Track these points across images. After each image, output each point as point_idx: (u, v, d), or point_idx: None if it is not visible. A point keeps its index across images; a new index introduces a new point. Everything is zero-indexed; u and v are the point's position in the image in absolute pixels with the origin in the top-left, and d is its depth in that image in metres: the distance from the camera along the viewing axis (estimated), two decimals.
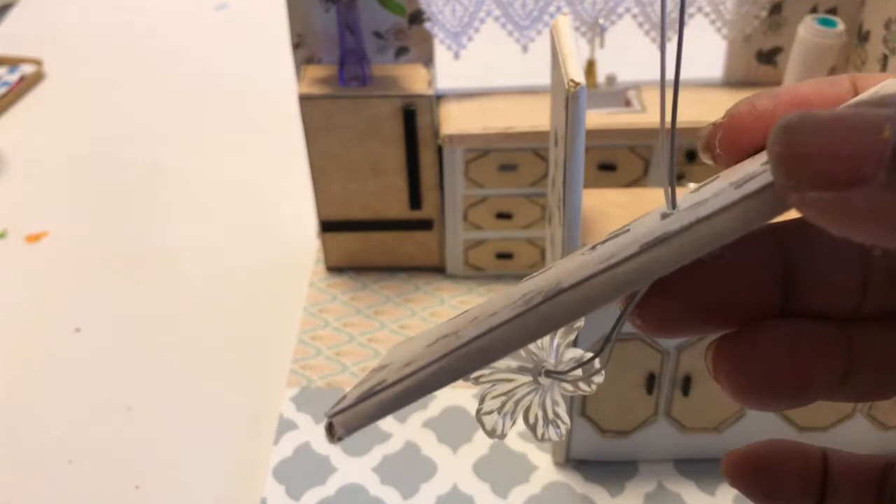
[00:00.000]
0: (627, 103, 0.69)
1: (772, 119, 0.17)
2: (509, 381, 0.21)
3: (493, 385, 0.21)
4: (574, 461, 0.58)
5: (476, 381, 0.20)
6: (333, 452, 0.59)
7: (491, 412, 0.20)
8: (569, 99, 0.43)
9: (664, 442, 0.57)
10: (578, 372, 0.21)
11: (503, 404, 0.20)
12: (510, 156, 0.68)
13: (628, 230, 0.17)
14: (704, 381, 0.54)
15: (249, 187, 0.88)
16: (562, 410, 0.21)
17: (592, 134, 0.47)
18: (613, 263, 0.16)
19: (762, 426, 0.56)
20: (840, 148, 0.14)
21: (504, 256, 0.74)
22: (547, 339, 0.21)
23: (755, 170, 0.16)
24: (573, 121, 0.44)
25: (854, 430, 0.56)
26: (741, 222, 0.15)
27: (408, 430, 0.61)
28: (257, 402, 0.64)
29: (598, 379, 0.21)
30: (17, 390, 0.66)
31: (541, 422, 0.21)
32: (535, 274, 0.20)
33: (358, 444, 0.60)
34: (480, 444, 0.60)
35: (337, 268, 0.76)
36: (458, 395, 0.63)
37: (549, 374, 0.21)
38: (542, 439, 0.21)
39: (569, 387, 0.21)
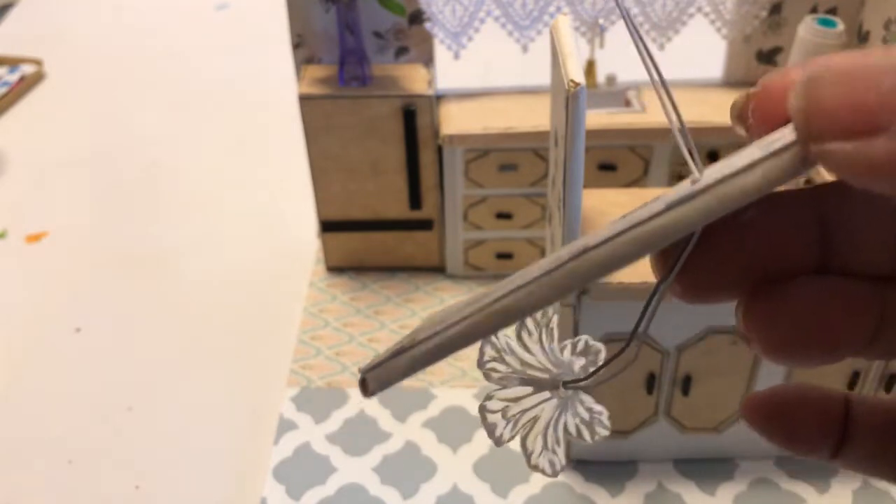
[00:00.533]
0: (627, 103, 0.69)
1: None
2: (523, 387, 0.21)
3: (505, 386, 0.21)
4: (574, 461, 0.58)
5: (488, 374, 0.20)
6: (333, 452, 0.59)
7: (495, 412, 0.21)
8: (569, 99, 0.43)
9: (664, 442, 0.57)
10: (600, 375, 0.21)
11: (508, 408, 0.21)
12: (510, 156, 0.68)
13: (658, 198, 0.18)
14: (704, 381, 0.54)
15: (249, 187, 0.88)
16: (561, 451, 0.21)
17: (592, 134, 0.47)
18: (639, 221, 0.17)
19: None
20: (858, 97, 0.14)
21: (504, 256, 0.74)
22: (567, 352, 0.21)
23: (783, 133, 0.16)
24: (573, 121, 0.44)
25: None
26: (765, 180, 0.16)
27: (408, 430, 0.61)
28: (257, 401, 0.64)
29: (604, 429, 0.21)
30: (17, 390, 0.66)
31: (538, 449, 0.21)
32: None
33: (358, 444, 0.60)
34: (480, 444, 0.60)
35: (337, 268, 0.76)
36: (459, 396, 0.63)
37: (567, 385, 0.21)
38: (533, 468, 0.21)
39: (582, 413, 0.21)
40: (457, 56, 0.69)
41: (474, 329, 0.18)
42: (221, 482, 0.58)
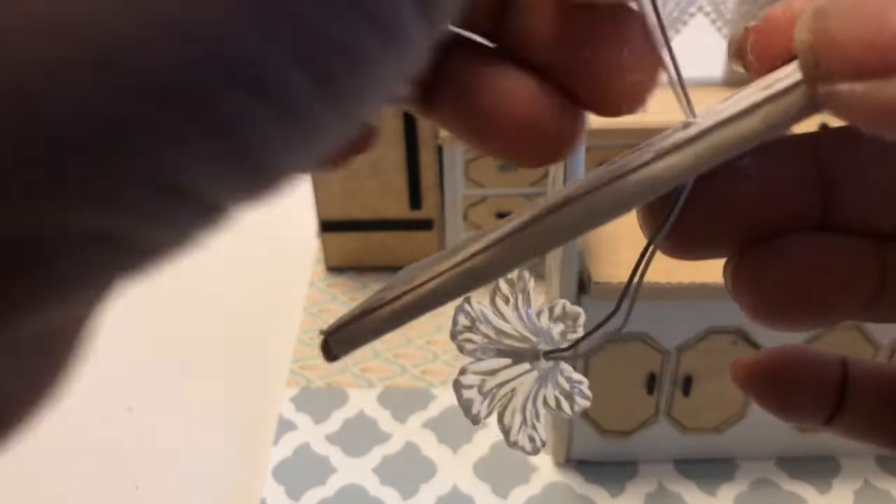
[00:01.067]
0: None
1: None
2: (500, 359, 0.19)
3: (481, 358, 0.19)
4: (574, 461, 0.58)
5: (462, 346, 0.19)
6: (333, 453, 0.59)
7: (471, 387, 0.19)
8: None
9: (665, 442, 0.57)
10: (582, 347, 0.19)
11: (485, 382, 0.19)
12: None
13: (649, 144, 0.16)
14: (705, 382, 0.54)
15: None
16: (541, 426, 0.19)
17: (592, 134, 0.47)
18: (625, 171, 0.15)
19: (763, 426, 0.56)
20: (873, 33, 0.12)
21: None
22: (545, 318, 0.20)
23: (786, 72, 0.15)
24: None
25: None
26: (766, 125, 0.14)
27: (407, 431, 0.61)
28: (257, 402, 0.64)
29: (584, 400, 0.19)
30: None
31: (517, 424, 0.19)
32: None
33: (358, 445, 0.60)
34: (481, 444, 0.60)
35: (337, 268, 0.76)
36: None
37: (547, 355, 0.19)
38: (513, 445, 0.19)
39: (563, 383, 0.19)
40: None
41: (443, 289, 0.16)
42: (221, 482, 0.58)
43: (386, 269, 0.76)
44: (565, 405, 0.19)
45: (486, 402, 0.19)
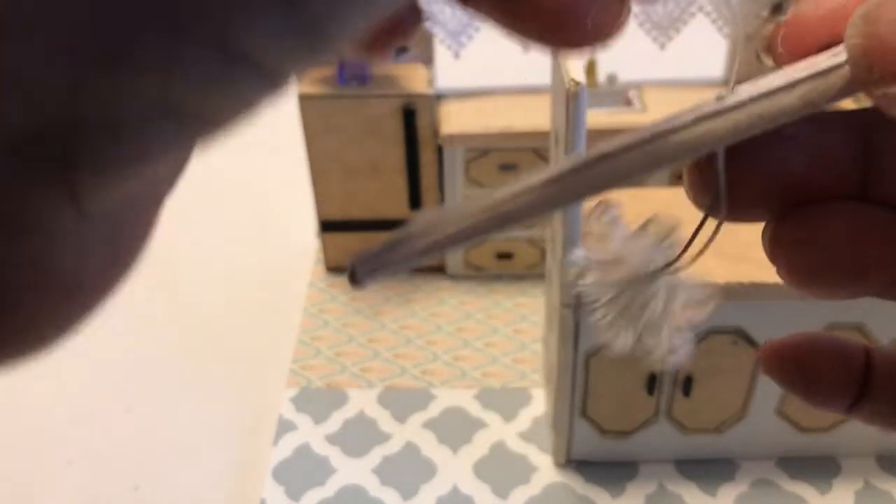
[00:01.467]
0: (628, 103, 0.69)
1: (838, 16, 0.16)
2: (621, 289, 0.19)
3: (602, 296, 0.19)
4: (574, 462, 0.58)
5: (580, 294, 0.19)
6: (333, 453, 0.59)
7: (606, 320, 0.19)
8: (569, 98, 0.43)
9: (665, 443, 0.57)
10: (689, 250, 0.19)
11: (616, 313, 0.19)
12: (510, 155, 0.68)
13: (687, 110, 0.17)
14: (705, 382, 0.54)
15: (249, 187, 0.88)
16: (682, 335, 0.19)
17: (593, 134, 0.47)
18: (666, 130, 0.16)
19: (763, 427, 0.56)
20: None
21: (504, 256, 0.74)
22: (643, 240, 0.19)
23: (821, 59, 0.15)
24: (573, 120, 0.43)
25: (856, 431, 0.56)
26: (802, 102, 0.15)
27: (408, 431, 0.61)
28: (257, 402, 0.64)
29: (710, 300, 0.19)
30: (17, 390, 0.65)
31: (659, 344, 0.19)
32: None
33: (357, 445, 0.60)
34: (480, 444, 0.60)
35: (337, 268, 0.76)
36: (459, 396, 0.63)
37: (662, 272, 0.19)
38: (660, 363, 0.19)
39: (689, 293, 0.19)
40: (457, 55, 0.69)
41: (474, 228, 0.17)
42: (221, 483, 0.58)
43: None
44: (696, 313, 0.19)
45: (627, 330, 0.19)
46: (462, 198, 0.70)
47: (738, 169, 0.17)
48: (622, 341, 0.19)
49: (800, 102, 0.15)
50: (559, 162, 0.17)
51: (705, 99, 0.17)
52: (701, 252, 0.19)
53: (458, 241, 0.17)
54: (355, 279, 0.18)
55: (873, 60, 0.14)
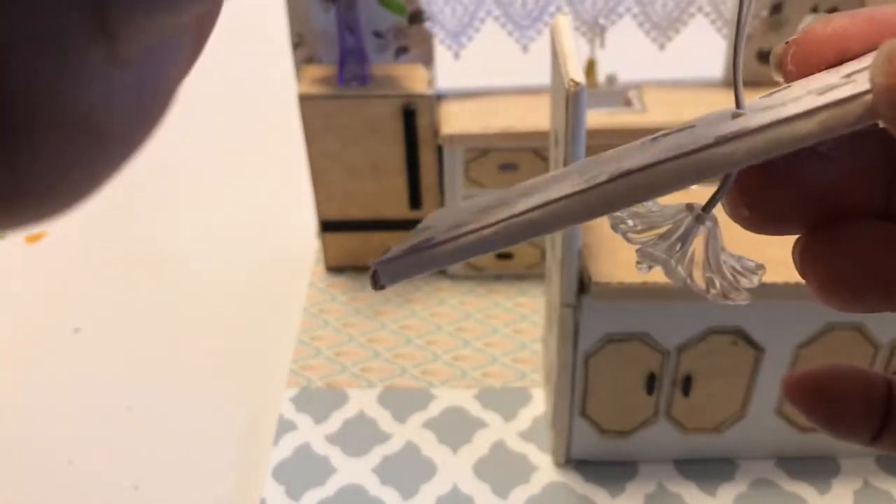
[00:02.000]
0: (628, 103, 0.69)
1: (846, 37, 0.17)
2: (666, 231, 0.19)
3: (641, 231, 0.19)
4: (574, 461, 0.58)
5: (616, 226, 0.19)
6: (333, 453, 0.59)
7: (660, 257, 0.19)
8: (569, 99, 0.43)
9: (664, 442, 0.57)
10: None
11: (666, 253, 0.19)
12: (510, 156, 0.68)
13: (693, 127, 0.17)
14: (705, 382, 0.54)
15: (249, 187, 0.88)
16: (745, 275, 0.20)
17: (593, 134, 0.47)
18: (686, 152, 0.16)
19: (763, 427, 0.56)
20: None
21: (504, 256, 0.74)
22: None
23: (836, 81, 0.16)
24: (573, 121, 0.43)
25: None
26: (821, 128, 0.15)
27: (408, 431, 0.61)
28: (257, 402, 0.64)
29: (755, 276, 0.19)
30: (17, 390, 0.65)
31: (715, 280, 0.19)
32: (587, 159, 0.20)
33: (358, 445, 0.60)
34: (480, 444, 0.60)
35: (337, 268, 0.76)
36: (459, 396, 0.63)
37: (703, 212, 0.19)
38: (718, 298, 0.19)
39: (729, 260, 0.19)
40: (457, 56, 0.69)
41: (497, 238, 0.17)
42: (221, 482, 0.58)
43: None
44: (727, 273, 0.19)
45: (681, 263, 0.19)
46: (461, 198, 0.70)
47: (772, 184, 0.18)
48: (683, 274, 0.19)
49: (819, 129, 0.15)
50: (581, 173, 0.18)
51: (721, 109, 0.17)
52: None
53: (477, 251, 0.18)
54: (378, 282, 0.18)
55: None
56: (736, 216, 0.19)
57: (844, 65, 0.17)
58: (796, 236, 0.19)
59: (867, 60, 0.16)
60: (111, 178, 0.14)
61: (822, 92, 0.16)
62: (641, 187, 0.17)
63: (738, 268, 0.19)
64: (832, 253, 0.18)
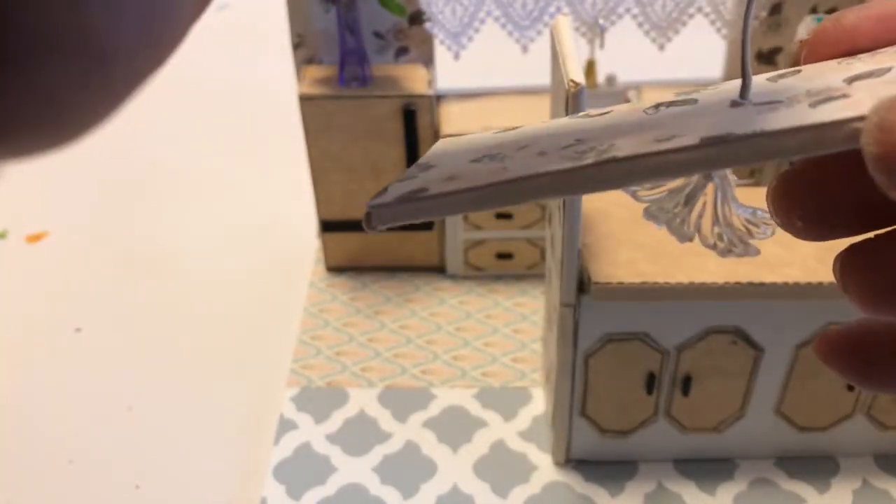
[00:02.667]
0: (627, 103, 0.69)
1: (855, 34, 0.17)
2: (674, 185, 0.20)
3: (650, 190, 0.20)
4: (574, 461, 0.58)
5: (636, 196, 0.20)
6: (333, 452, 0.59)
7: (665, 212, 0.19)
8: (569, 99, 0.43)
9: (664, 442, 0.57)
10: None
11: (672, 207, 0.19)
12: None
13: (696, 101, 0.18)
14: (704, 381, 0.54)
15: (250, 187, 0.88)
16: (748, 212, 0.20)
17: None
18: (669, 150, 0.16)
19: (762, 426, 0.56)
20: None
21: (504, 256, 0.74)
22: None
23: (835, 85, 0.16)
24: None
25: (854, 430, 0.56)
26: (802, 147, 0.16)
27: (408, 430, 0.61)
28: (258, 401, 0.64)
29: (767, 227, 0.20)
30: (18, 390, 0.66)
31: (722, 235, 0.19)
32: (591, 112, 0.20)
33: (358, 444, 0.60)
34: (480, 443, 0.60)
35: (337, 268, 0.76)
36: (459, 396, 0.64)
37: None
38: (726, 253, 0.19)
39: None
40: (457, 56, 0.69)
41: (483, 201, 0.18)
42: (222, 482, 0.58)
43: (386, 269, 0.76)
44: (739, 227, 0.20)
45: (687, 220, 0.20)
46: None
47: (822, 194, 0.18)
48: (688, 230, 0.19)
49: (800, 148, 0.16)
50: (577, 138, 0.18)
51: (728, 86, 0.17)
52: None
53: (465, 209, 0.18)
54: (370, 224, 0.19)
55: (891, 168, 0.15)
56: (788, 227, 0.19)
57: (854, 58, 0.17)
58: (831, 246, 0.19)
59: (872, 62, 0.16)
60: (116, 108, 0.13)
61: (816, 104, 0.16)
62: (620, 176, 0.17)
63: (752, 219, 0.19)
64: (869, 265, 0.18)
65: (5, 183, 0.91)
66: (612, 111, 0.19)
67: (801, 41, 0.18)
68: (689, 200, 0.19)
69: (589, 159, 0.17)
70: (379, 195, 0.19)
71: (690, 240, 0.19)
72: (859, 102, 0.15)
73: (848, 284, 0.18)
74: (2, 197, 0.88)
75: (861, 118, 0.15)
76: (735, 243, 0.19)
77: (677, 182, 0.19)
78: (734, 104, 0.17)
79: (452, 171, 0.19)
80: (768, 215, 0.19)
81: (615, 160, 0.17)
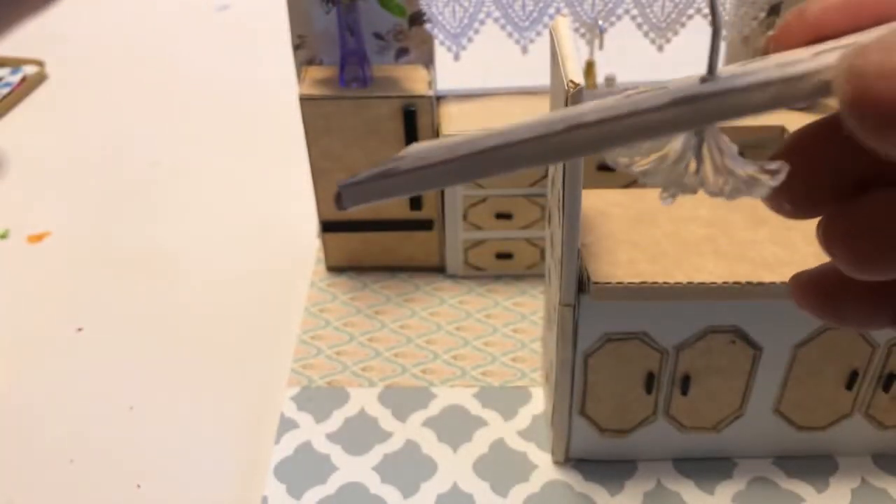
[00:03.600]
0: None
1: (819, 27, 0.17)
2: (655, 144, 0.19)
3: (634, 155, 0.19)
4: (573, 460, 0.58)
5: (617, 163, 0.20)
6: (334, 451, 0.60)
7: (653, 172, 0.19)
8: (568, 100, 0.43)
9: (663, 441, 0.57)
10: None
11: (666, 164, 0.19)
12: None
13: (665, 88, 0.18)
14: (703, 381, 0.54)
15: (250, 187, 0.88)
16: (741, 160, 0.19)
17: None
18: (640, 110, 0.17)
19: (761, 425, 0.56)
20: None
21: (504, 256, 0.74)
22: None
23: (804, 56, 0.16)
24: None
25: (853, 429, 0.57)
26: (773, 100, 0.16)
27: (408, 429, 0.61)
28: (258, 401, 0.64)
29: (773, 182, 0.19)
30: (19, 390, 0.66)
31: (745, 171, 0.19)
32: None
33: (358, 443, 0.60)
34: (480, 442, 0.60)
35: (337, 268, 0.76)
36: (459, 395, 0.64)
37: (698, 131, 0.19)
38: (735, 193, 0.19)
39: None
40: (457, 57, 0.69)
41: (455, 173, 0.18)
42: (222, 481, 0.58)
43: (386, 269, 0.76)
44: (741, 171, 0.19)
45: (684, 177, 0.19)
46: (461, 198, 0.71)
47: (807, 174, 0.18)
48: (691, 182, 0.19)
49: (770, 101, 0.16)
50: (539, 117, 0.18)
51: (695, 74, 0.18)
52: None
53: (437, 185, 0.18)
54: (341, 203, 0.19)
55: (864, 112, 0.15)
56: (777, 209, 0.19)
57: (820, 45, 0.17)
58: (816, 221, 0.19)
59: (837, 43, 0.17)
60: None
61: (783, 66, 0.16)
62: (591, 141, 0.17)
63: (755, 167, 0.19)
64: (852, 231, 0.18)
65: (7, 183, 0.91)
66: (589, 103, 0.19)
67: (769, 37, 0.19)
68: (680, 161, 0.19)
69: (558, 127, 0.17)
70: (350, 178, 0.19)
71: (695, 191, 0.19)
72: (828, 59, 0.16)
73: (832, 250, 0.19)
74: (3, 197, 0.89)
75: (830, 67, 0.15)
76: (741, 187, 0.19)
77: (668, 148, 0.19)
78: (704, 80, 0.17)
79: (424, 156, 0.19)
80: (776, 165, 0.19)
81: (584, 125, 0.17)
